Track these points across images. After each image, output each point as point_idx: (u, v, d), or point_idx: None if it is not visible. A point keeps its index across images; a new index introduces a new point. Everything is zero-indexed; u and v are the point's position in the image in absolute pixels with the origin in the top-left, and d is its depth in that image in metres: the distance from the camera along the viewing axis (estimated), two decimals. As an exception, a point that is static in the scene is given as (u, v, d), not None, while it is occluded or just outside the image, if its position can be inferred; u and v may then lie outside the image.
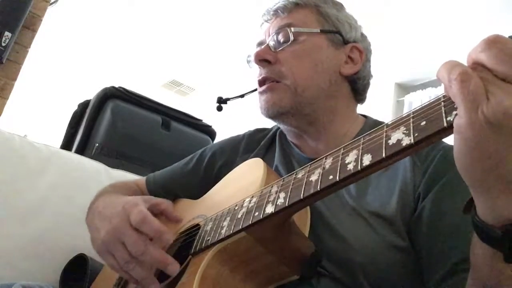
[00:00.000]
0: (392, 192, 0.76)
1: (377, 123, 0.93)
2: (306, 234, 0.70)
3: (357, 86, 0.95)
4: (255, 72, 0.96)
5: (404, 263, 0.71)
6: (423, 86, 4.16)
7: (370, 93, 1.00)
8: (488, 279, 0.48)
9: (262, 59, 0.90)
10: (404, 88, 4.35)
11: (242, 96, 1.12)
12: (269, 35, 0.92)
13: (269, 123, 1.00)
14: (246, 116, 4.04)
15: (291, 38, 0.88)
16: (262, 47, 0.92)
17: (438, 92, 3.93)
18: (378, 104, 4.07)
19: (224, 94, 1.17)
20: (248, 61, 1.02)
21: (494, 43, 0.38)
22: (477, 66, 0.39)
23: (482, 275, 0.49)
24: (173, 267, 0.69)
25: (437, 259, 0.67)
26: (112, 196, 0.94)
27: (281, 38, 0.89)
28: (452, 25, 3.43)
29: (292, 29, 0.88)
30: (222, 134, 1.89)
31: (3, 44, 2.13)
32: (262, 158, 0.83)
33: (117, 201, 0.83)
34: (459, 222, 0.67)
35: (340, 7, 0.97)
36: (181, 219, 0.87)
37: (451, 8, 3.26)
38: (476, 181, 0.41)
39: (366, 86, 0.97)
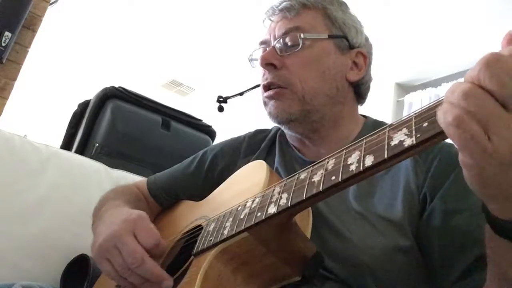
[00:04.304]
0: (396, 193, 0.76)
1: (376, 123, 0.94)
2: (308, 235, 0.70)
3: (360, 91, 0.95)
4: (257, 70, 0.96)
5: (411, 265, 0.71)
6: (423, 86, 4.16)
7: (370, 93, 1.00)
8: (509, 271, 0.49)
9: (268, 63, 0.88)
10: (404, 88, 4.35)
11: (241, 94, 1.11)
12: (274, 36, 0.91)
13: (269, 124, 1.00)
14: (246, 116, 4.04)
15: (301, 43, 0.86)
16: (268, 49, 0.90)
17: (438, 92, 3.94)
18: (378, 104, 4.07)
19: (224, 94, 1.17)
20: (250, 60, 1.00)
21: (495, 62, 0.36)
22: (476, 88, 0.37)
23: (501, 267, 0.50)
24: (168, 283, 0.69)
25: (453, 258, 0.67)
26: (118, 205, 0.94)
27: (288, 41, 0.88)
28: (452, 25, 3.43)
29: (302, 34, 0.87)
30: (222, 134, 1.89)
31: (3, 44, 2.13)
32: (263, 161, 0.83)
33: (122, 211, 0.83)
34: (472, 220, 0.67)
35: (345, 7, 0.96)
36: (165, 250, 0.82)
37: (451, 8, 3.27)
38: (485, 198, 0.43)
39: (367, 89, 0.97)
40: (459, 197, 0.70)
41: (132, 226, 0.73)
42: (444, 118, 0.38)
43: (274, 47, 0.89)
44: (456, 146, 0.39)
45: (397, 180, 0.78)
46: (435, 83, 4.04)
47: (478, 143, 0.36)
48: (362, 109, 0.99)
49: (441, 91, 3.89)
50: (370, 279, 0.69)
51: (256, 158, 0.96)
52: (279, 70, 0.88)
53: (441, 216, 0.71)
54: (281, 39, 0.89)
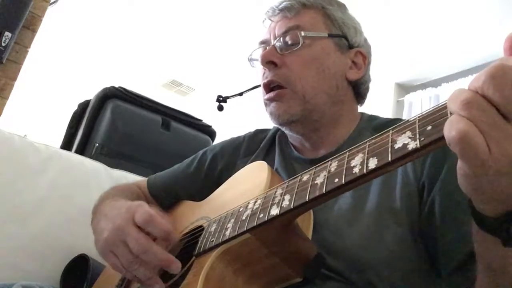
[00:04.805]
0: (394, 183, 0.76)
1: (371, 118, 0.94)
2: (309, 236, 0.70)
3: (360, 91, 0.95)
4: (256, 70, 0.96)
5: (414, 258, 0.72)
6: (423, 86, 4.16)
7: (370, 93, 1.00)
8: (493, 262, 0.50)
9: (269, 61, 0.88)
10: (404, 88, 4.35)
11: (240, 94, 1.12)
12: (274, 35, 0.91)
13: (269, 124, 1.00)
14: (246, 116, 4.04)
15: (301, 42, 0.87)
16: (268, 48, 0.90)
17: (438, 92, 3.94)
18: (378, 104, 4.07)
19: (224, 94, 1.17)
20: (250, 60, 1.00)
21: (501, 75, 0.36)
22: (478, 97, 0.37)
23: (486, 259, 0.51)
24: (176, 266, 0.69)
25: (452, 249, 0.68)
26: (116, 200, 0.94)
27: (289, 40, 0.88)
28: (452, 25, 3.43)
29: (302, 33, 0.87)
30: (222, 134, 1.89)
31: (3, 44, 2.13)
32: (262, 160, 0.83)
33: (122, 204, 0.82)
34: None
35: (344, 8, 0.97)
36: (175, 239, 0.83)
37: (451, 8, 3.27)
38: (477, 201, 0.44)
39: (367, 90, 0.98)
40: (457, 189, 0.71)
41: (131, 215, 0.73)
42: (449, 131, 0.38)
43: (274, 45, 0.90)
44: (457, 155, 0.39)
45: (395, 170, 0.78)
46: (435, 83, 4.04)
47: (478, 155, 0.37)
48: (362, 109, 0.99)
49: (441, 91, 3.89)
50: (374, 276, 0.69)
51: (255, 158, 0.97)
52: (279, 68, 0.88)
53: (441, 208, 0.71)
54: (282, 38, 0.89)
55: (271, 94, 0.88)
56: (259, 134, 1.07)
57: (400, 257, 0.71)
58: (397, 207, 0.73)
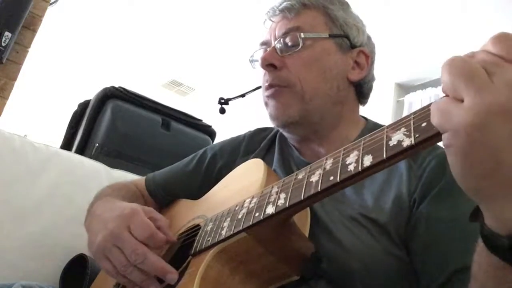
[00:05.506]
0: (386, 196, 0.76)
1: (377, 126, 0.93)
2: (306, 234, 0.70)
3: (363, 90, 0.94)
4: (257, 71, 0.96)
5: (399, 270, 0.71)
6: (423, 86, 4.16)
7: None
8: None
9: (269, 64, 0.88)
10: (404, 88, 4.35)
11: (243, 95, 1.11)
12: (274, 36, 0.91)
13: (270, 123, 1.00)
14: (246, 116, 4.04)
15: (301, 43, 0.86)
16: (268, 50, 0.90)
17: (438, 92, 3.93)
18: (378, 104, 4.07)
19: (224, 94, 1.17)
20: (251, 61, 1.00)
21: (505, 39, 0.37)
22: (454, 58, 0.39)
23: (485, 285, 0.46)
24: (172, 276, 0.69)
25: (434, 268, 0.67)
26: (110, 200, 0.93)
27: (289, 41, 0.88)
28: (452, 25, 3.43)
29: (302, 34, 0.87)
30: (222, 134, 1.89)
31: (3, 44, 2.13)
32: (262, 159, 0.83)
33: (116, 206, 0.82)
34: (454, 231, 0.67)
35: (346, 7, 0.95)
36: (175, 239, 0.83)
37: (451, 8, 3.26)
38: (475, 190, 0.38)
39: (370, 89, 0.97)
40: (446, 203, 0.70)
41: (127, 221, 0.73)
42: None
43: (274, 47, 0.89)
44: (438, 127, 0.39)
45: (389, 181, 0.77)
46: (435, 83, 4.04)
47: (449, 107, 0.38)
48: (362, 109, 0.98)
49: (441, 91, 3.89)
50: (360, 284, 0.68)
51: (255, 157, 0.96)
52: (280, 70, 0.88)
53: (425, 225, 0.70)
54: (282, 39, 0.88)
55: (271, 91, 0.88)
56: (260, 133, 1.07)
57: (386, 268, 0.70)
58: (386, 220, 0.72)
